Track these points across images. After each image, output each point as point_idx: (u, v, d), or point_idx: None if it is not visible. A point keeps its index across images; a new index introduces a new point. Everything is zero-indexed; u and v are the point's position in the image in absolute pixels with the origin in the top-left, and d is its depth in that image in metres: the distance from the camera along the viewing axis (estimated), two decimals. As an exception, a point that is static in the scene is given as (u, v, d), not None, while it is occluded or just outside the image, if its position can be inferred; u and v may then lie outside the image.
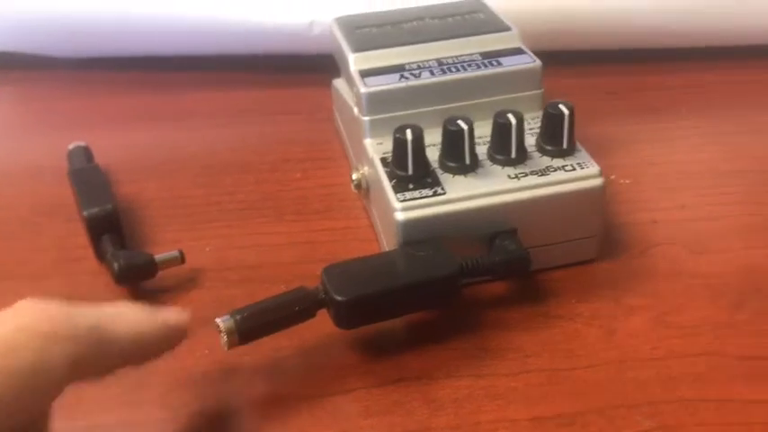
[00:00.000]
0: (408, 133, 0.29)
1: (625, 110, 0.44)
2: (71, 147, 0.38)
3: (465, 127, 0.29)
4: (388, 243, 0.31)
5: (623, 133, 0.41)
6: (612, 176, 0.37)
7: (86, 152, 0.38)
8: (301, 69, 0.46)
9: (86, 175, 0.36)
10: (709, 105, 0.44)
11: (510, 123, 0.30)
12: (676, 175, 0.37)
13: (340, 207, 0.36)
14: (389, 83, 0.33)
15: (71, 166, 0.37)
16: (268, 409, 0.26)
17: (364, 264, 0.28)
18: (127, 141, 0.42)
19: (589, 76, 0.46)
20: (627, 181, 0.37)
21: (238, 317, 0.26)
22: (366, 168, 0.33)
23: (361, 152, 0.34)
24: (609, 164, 0.38)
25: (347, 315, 0.27)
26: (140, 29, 0.46)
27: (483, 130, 0.31)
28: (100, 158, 0.38)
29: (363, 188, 0.34)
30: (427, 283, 0.28)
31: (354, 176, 0.34)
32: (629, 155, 0.39)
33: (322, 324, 0.27)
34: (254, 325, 0.26)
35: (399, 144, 0.29)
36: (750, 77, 0.46)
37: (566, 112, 0.30)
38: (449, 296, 0.28)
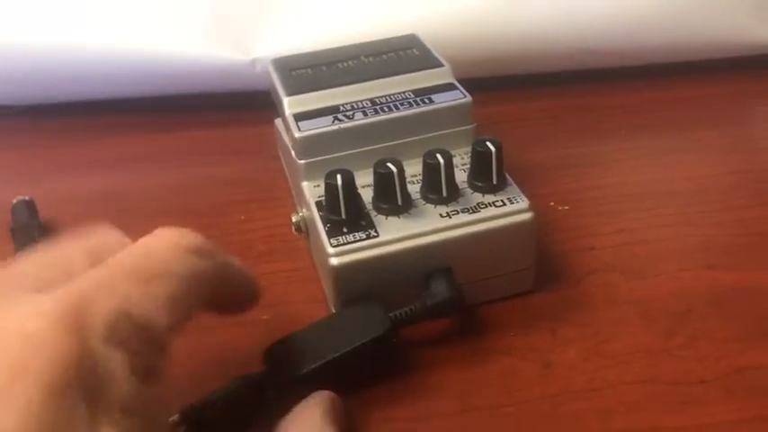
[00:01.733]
0: (338, 179, 0.29)
1: (564, 133, 0.44)
2: (15, 201, 0.38)
3: (394, 169, 0.30)
4: (326, 285, 0.31)
5: (563, 157, 0.42)
6: (551, 203, 0.38)
7: (30, 206, 0.38)
8: (245, 107, 0.47)
9: (29, 232, 0.36)
10: (647, 124, 0.44)
11: (439, 164, 0.30)
12: (615, 199, 0.38)
13: (284, 249, 0.36)
14: (323, 126, 0.33)
15: (14, 222, 0.37)
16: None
17: (301, 338, 0.29)
18: (71, 191, 0.42)
19: (529, 101, 0.47)
20: (566, 207, 0.37)
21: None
22: (304, 211, 0.34)
23: (300, 195, 0.34)
24: (548, 191, 0.38)
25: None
26: (81, 73, 0.46)
27: (416, 168, 0.32)
28: (48, 210, 0.38)
29: (303, 230, 0.34)
30: (360, 349, 0.28)
31: (294, 219, 0.34)
32: (568, 180, 0.40)
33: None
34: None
35: (330, 190, 0.30)
36: (684, 95, 0.47)
37: (492, 149, 0.30)
38: (383, 354, 0.29)
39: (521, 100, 0.47)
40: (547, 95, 0.47)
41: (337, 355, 0.28)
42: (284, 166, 0.41)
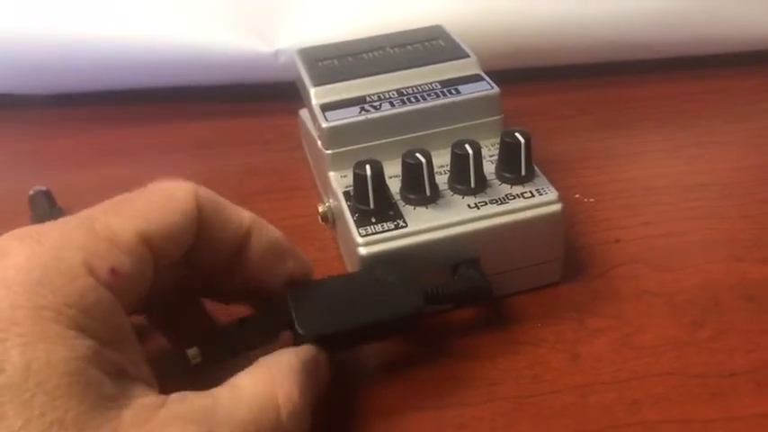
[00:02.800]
0: (368, 169, 0.30)
1: (590, 125, 0.44)
2: (32, 192, 0.39)
3: (423, 160, 0.30)
4: (354, 275, 0.32)
5: (588, 150, 0.42)
6: (577, 195, 0.38)
7: (48, 197, 0.38)
8: (267, 98, 0.47)
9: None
10: (672, 118, 0.44)
11: (467, 154, 0.30)
12: (640, 191, 0.38)
13: (309, 238, 0.37)
14: (350, 116, 0.33)
15: (34, 213, 0.37)
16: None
17: (330, 289, 0.28)
18: (92, 180, 0.43)
19: (553, 93, 0.47)
20: (591, 200, 0.37)
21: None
22: (331, 201, 0.34)
23: (326, 185, 0.34)
24: (573, 183, 0.38)
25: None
26: (101, 62, 0.46)
27: (444, 159, 0.32)
28: (64, 199, 0.38)
29: (330, 220, 0.34)
30: (392, 318, 0.28)
31: (321, 209, 0.34)
32: (593, 172, 0.40)
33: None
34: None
35: (359, 180, 0.30)
36: (711, 87, 0.46)
37: (521, 140, 0.30)
38: (412, 325, 0.29)
39: (545, 92, 0.47)
40: (571, 88, 0.47)
41: (366, 323, 0.27)
42: (308, 156, 0.41)
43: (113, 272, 0.21)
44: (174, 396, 0.21)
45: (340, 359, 0.29)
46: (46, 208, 0.38)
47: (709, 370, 0.28)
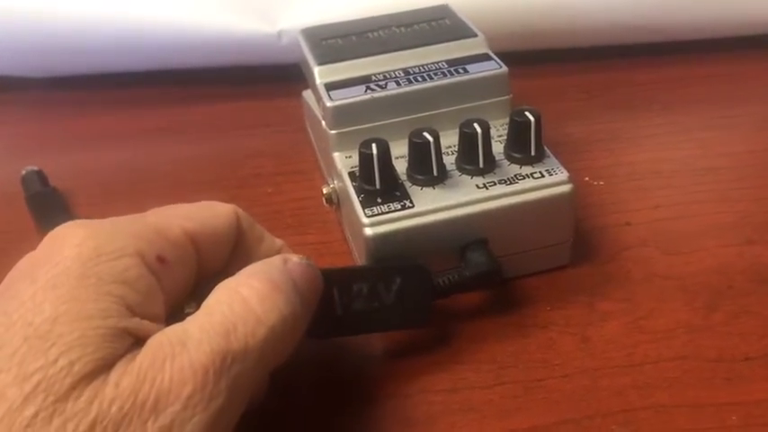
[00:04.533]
0: (374, 148, 0.29)
1: (598, 108, 0.43)
2: (24, 172, 0.38)
3: (430, 139, 0.29)
4: (359, 257, 0.31)
5: (597, 132, 0.41)
6: (586, 178, 0.37)
7: (41, 176, 0.38)
8: (270, 80, 0.46)
9: (44, 199, 0.35)
10: (681, 101, 0.43)
11: (476, 133, 0.29)
12: (650, 175, 0.37)
13: (313, 221, 0.36)
14: (355, 95, 0.32)
15: (27, 192, 0.37)
16: None
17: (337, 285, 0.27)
18: (90, 164, 0.42)
19: (561, 76, 0.46)
20: (600, 183, 0.37)
21: None
22: (336, 182, 0.33)
23: (331, 166, 0.33)
24: (582, 166, 0.38)
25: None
26: (101, 44, 0.45)
27: (451, 139, 0.31)
28: (62, 183, 0.37)
29: (334, 202, 0.34)
30: (396, 328, 0.28)
31: (325, 191, 0.34)
32: (602, 155, 0.39)
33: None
34: None
35: (365, 159, 0.29)
36: (721, 71, 0.46)
37: (531, 119, 0.30)
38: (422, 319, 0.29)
39: (554, 75, 0.46)
40: (579, 71, 0.46)
41: (376, 327, 0.28)
42: (312, 138, 0.40)
43: (159, 258, 0.22)
44: None
45: (347, 342, 0.29)
46: (39, 187, 0.37)
47: (724, 354, 0.27)
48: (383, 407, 0.26)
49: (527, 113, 0.30)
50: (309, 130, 0.41)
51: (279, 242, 0.28)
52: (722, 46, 0.47)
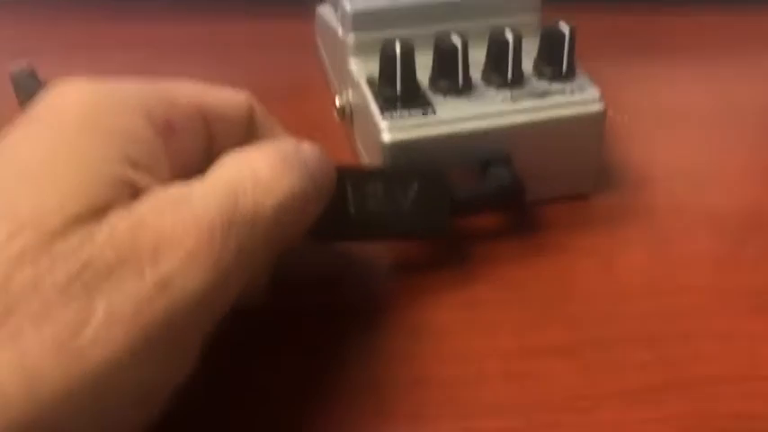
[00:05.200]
0: (397, 47, 0.27)
1: (627, 49, 0.41)
2: (15, 70, 0.36)
3: (459, 43, 0.27)
4: (373, 170, 0.29)
5: (619, 73, 0.39)
6: (610, 112, 0.35)
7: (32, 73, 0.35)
8: (282, 1, 0.44)
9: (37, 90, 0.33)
10: (710, 48, 0.42)
11: (507, 41, 0.28)
12: (677, 115, 0.36)
13: (322, 137, 0.33)
14: (377, 1, 0.30)
15: (20, 91, 0.34)
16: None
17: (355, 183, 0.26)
18: (87, 69, 0.39)
19: (587, 13, 0.44)
20: (625, 117, 0.35)
21: None
22: (350, 92, 0.31)
23: (346, 75, 0.31)
24: (608, 100, 0.36)
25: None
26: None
27: (477, 55, 0.29)
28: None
29: (348, 115, 0.32)
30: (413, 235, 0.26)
31: (338, 103, 0.32)
32: (625, 93, 0.37)
33: (300, 248, 0.25)
34: None
35: (387, 59, 0.27)
36: (750, 20, 0.44)
37: (566, 31, 0.28)
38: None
39: (578, 12, 0.44)
40: (606, 10, 0.44)
41: (390, 233, 0.26)
42: (324, 56, 0.38)
43: (167, 123, 0.21)
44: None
45: (358, 252, 0.27)
46: (32, 83, 0.35)
47: (753, 286, 0.26)
48: (393, 317, 0.25)
49: (561, 25, 0.28)
50: (322, 48, 0.39)
51: (293, 139, 0.26)
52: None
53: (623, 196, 0.30)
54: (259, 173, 0.20)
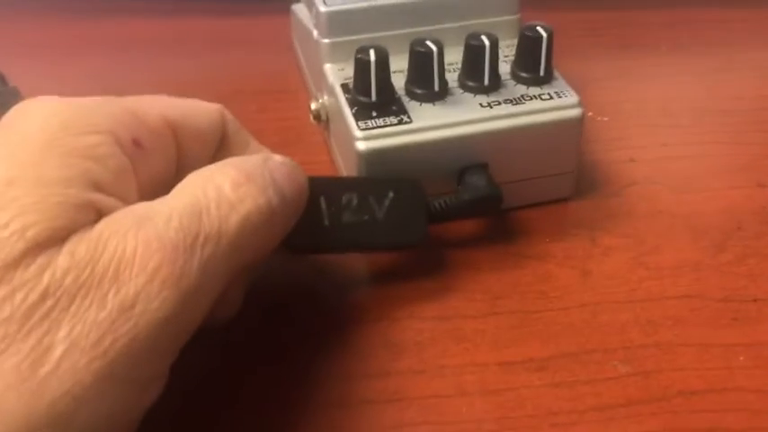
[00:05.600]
0: (372, 54, 0.26)
1: (604, 47, 0.41)
2: None
3: (434, 48, 0.27)
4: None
5: (602, 70, 0.39)
6: (590, 113, 0.35)
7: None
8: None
9: (5, 98, 0.32)
10: (690, 43, 0.41)
11: (483, 45, 0.27)
12: (657, 113, 0.35)
13: (298, 141, 0.34)
14: (352, 2, 0.30)
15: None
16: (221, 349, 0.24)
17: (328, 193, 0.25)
18: (59, 72, 0.39)
19: (569, 11, 0.44)
20: (605, 118, 0.35)
21: None
22: (326, 97, 0.30)
23: (321, 79, 0.31)
24: (587, 101, 0.35)
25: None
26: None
27: (454, 57, 0.29)
28: (27, 90, 0.34)
29: (323, 119, 0.31)
30: (389, 246, 0.26)
31: (313, 106, 0.31)
32: (608, 92, 0.37)
33: (276, 262, 0.25)
34: None
35: (361, 66, 0.27)
36: (731, 14, 0.44)
37: (543, 34, 0.27)
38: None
39: (560, 9, 0.43)
40: (587, 7, 0.44)
41: (365, 244, 0.25)
42: (300, 55, 0.37)
43: (135, 141, 0.21)
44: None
45: (332, 264, 0.27)
46: (4, 93, 0.34)
47: (731, 294, 0.26)
48: (368, 331, 0.24)
49: (539, 28, 0.28)
50: (297, 47, 0.38)
51: (266, 150, 0.25)
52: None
53: (603, 200, 0.30)
54: (223, 190, 0.20)
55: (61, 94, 0.36)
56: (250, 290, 0.24)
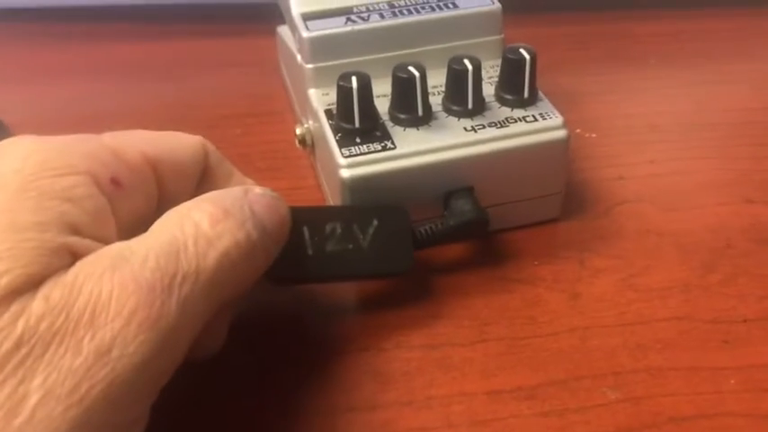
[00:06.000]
0: (354, 81, 0.26)
1: (592, 60, 0.41)
2: None
3: (416, 74, 0.26)
4: (335, 203, 0.28)
5: (590, 84, 0.39)
6: (578, 130, 0.35)
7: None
8: (243, 18, 0.43)
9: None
10: (679, 55, 0.41)
11: (466, 70, 0.27)
12: (645, 129, 0.35)
13: (285, 166, 0.33)
14: (335, 27, 0.30)
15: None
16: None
17: (313, 223, 0.25)
18: (45, 98, 0.39)
19: (555, 25, 0.44)
20: (593, 135, 0.35)
21: None
22: (311, 122, 0.30)
23: (306, 104, 0.31)
24: (574, 117, 0.35)
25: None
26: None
27: (438, 80, 0.29)
28: (10, 117, 0.34)
29: (308, 144, 0.31)
30: (374, 275, 0.26)
31: (298, 131, 0.31)
32: (595, 107, 0.37)
33: (260, 293, 0.24)
34: None
35: (344, 93, 0.26)
36: (720, 26, 0.44)
37: (527, 57, 0.27)
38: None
39: (546, 24, 0.43)
40: (574, 20, 0.44)
41: (351, 273, 0.25)
42: (286, 78, 0.37)
43: (114, 181, 0.20)
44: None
45: (318, 293, 0.27)
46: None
47: (721, 315, 0.26)
48: (355, 361, 0.24)
49: (522, 51, 0.27)
50: (283, 69, 0.38)
51: (249, 182, 0.25)
52: (722, 1, 0.45)
53: (592, 220, 0.30)
54: (201, 226, 0.20)
55: (46, 119, 0.36)
56: (234, 319, 0.23)
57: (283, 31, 0.36)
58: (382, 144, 0.27)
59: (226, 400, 0.23)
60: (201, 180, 0.24)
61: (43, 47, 0.43)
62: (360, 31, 0.30)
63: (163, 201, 0.22)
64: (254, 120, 0.36)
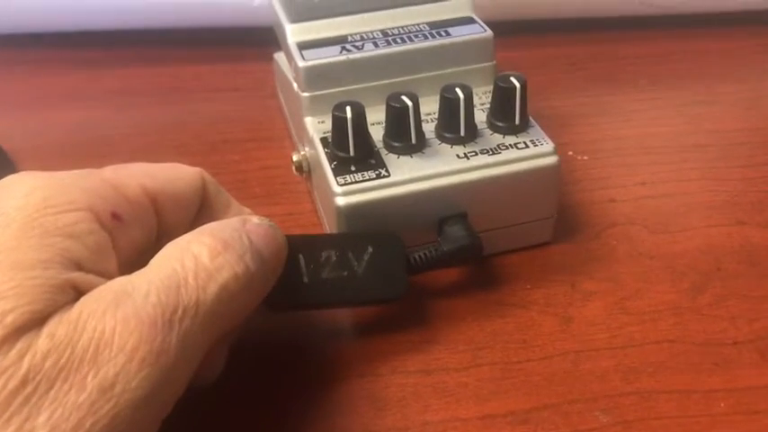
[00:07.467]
0: (348, 111, 0.27)
1: (584, 81, 0.42)
2: None
3: (409, 103, 0.27)
4: (331, 229, 0.29)
5: (582, 106, 0.39)
6: (570, 153, 0.35)
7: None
8: (242, 43, 0.44)
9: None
10: (669, 76, 0.42)
11: (458, 98, 0.27)
12: (636, 150, 0.36)
13: (282, 191, 0.34)
14: (330, 56, 0.30)
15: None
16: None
17: (308, 251, 0.25)
18: (44, 125, 0.39)
19: (547, 47, 0.44)
20: (584, 157, 0.35)
21: None
22: (307, 149, 0.31)
23: (302, 131, 0.31)
24: (566, 140, 0.36)
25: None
26: (65, 3, 0.42)
27: (431, 107, 0.29)
28: (11, 144, 0.35)
29: (305, 171, 0.32)
30: (369, 302, 0.26)
31: (295, 158, 0.32)
32: (587, 129, 0.37)
33: (257, 319, 0.25)
34: None
35: (339, 123, 0.27)
36: (710, 46, 0.44)
37: (517, 85, 0.28)
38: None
39: (538, 46, 0.44)
40: (565, 42, 0.44)
41: (346, 300, 0.26)
42: (283, 104, 0.38)
43: (114, 215, 0.21)
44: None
45: (313, 319, 0.27)
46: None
47: (711, 338, 0.26)
48: (351, 387, 0.25)
49: (512, 79, 0.28)
50: (281, 95, 0.38)
51: (247, 211, 0.26)
52: (712, 22, 0.45)
53: (583, 244, 0.30)
54: (200, 259, 0.20)
55: (46, 146, 0.37)
56: (231, 345, 0.24)
57: (280, 57, 0.36)
58: (377, 172, 0.27)
59: (223, 427, 0.24)
60: (200, 210, 0.24)
61: (43, 73, 0.44)
62: (355, 60, 0.30)
63: (162, 232, 0.23)
64: (253, 145, 0.37)
